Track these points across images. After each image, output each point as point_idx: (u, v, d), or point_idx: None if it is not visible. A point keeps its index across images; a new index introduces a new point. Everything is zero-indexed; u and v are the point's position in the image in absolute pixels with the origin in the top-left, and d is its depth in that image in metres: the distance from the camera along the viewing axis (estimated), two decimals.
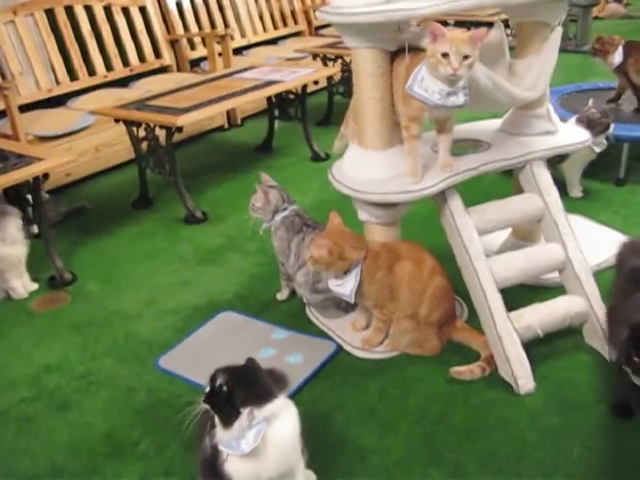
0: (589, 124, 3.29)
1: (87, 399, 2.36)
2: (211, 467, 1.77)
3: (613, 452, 1.99)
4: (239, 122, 5.41)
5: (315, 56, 5.28)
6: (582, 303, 2.39)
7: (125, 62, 5.04)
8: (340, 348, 2.51)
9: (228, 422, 1.59)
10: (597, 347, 2.40)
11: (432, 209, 2.48)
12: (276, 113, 4.72)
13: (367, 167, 2.38)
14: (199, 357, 2.51)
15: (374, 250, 2.37)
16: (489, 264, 2.32)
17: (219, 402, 1.60)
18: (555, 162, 3.50)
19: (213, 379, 1.62)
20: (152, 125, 3.63)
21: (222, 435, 1.61)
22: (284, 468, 1.67)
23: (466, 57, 2.06)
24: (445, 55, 2.05)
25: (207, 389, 1.61)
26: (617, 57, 3.98)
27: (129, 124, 3.72)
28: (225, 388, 1.59)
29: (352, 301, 2.39)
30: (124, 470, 2.04)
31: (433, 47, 2.08)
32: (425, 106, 2.20)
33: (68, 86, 4.67)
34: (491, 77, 2.26)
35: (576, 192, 3.67)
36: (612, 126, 3.47)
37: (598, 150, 3.50)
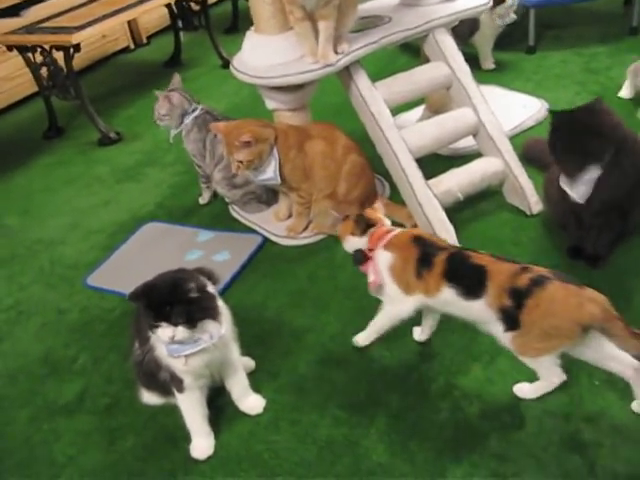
0: None
1: (18, 328, 2.32)
2: (145, 369, 1.76)
3: None
4: (145, 41, 5.21)
5: None
6: (498, 163, 2.42)
7: None
8: (266, 240, 2.51)
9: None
10: (517, 204, 2.45)
11: (346, 98, 2.43)
12: (180, 25, 4.55)
13: (266, 53, 2.33)
14: (127, 269, 2.47)
15: (282, 130, 2.34)
16: (402, 134, 2.31)
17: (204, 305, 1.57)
18: (466, 37, 3.50)
19: (179, 292, 1.53)
20: (48, 47, 3.45)
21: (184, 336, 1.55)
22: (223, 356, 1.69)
23: None
24: None
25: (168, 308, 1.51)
26: None
27: (23, 50, 3.54)
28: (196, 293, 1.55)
29: (279, 181, 2.35)
30: (65, 387, 2.03)
31: None
32: None
33: None
34: None
35: (489, 64, 3.68)
36: None
37: (506, 22, 3.52)
